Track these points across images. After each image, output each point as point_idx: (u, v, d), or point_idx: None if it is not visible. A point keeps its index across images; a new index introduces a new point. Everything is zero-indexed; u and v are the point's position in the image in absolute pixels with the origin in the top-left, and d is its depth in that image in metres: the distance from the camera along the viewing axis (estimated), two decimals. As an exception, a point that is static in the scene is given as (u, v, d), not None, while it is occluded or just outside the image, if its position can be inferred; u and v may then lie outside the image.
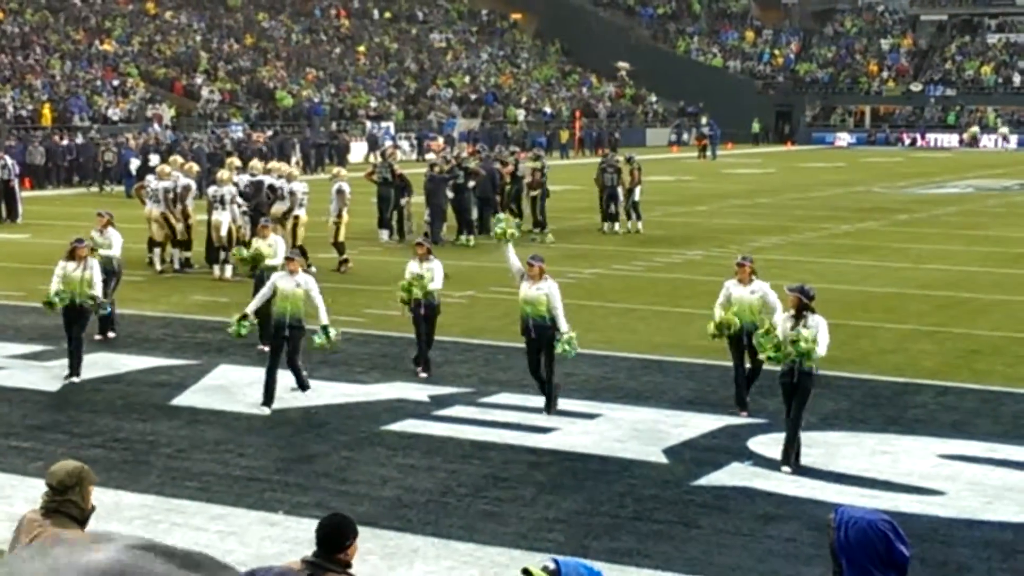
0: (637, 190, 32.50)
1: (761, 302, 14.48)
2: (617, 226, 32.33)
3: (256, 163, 27.17)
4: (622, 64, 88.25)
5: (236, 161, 28.27)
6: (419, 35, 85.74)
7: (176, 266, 25.39)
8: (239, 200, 24.52)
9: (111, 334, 18.78)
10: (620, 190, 32.38)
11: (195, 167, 27.87)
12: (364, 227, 31.21)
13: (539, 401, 14.89)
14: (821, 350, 12.37)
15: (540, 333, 14.60)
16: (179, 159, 28.35)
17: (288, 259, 15.25)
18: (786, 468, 12.49)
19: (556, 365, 14.77)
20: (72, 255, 16.18)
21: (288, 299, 14.79)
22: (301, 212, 24.82)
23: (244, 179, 25.21)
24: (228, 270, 24.34)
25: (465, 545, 10.46)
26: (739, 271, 14.64)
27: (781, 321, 12.71)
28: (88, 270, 16.09)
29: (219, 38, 71.94)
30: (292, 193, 24.91)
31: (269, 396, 14.79)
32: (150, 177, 26.36)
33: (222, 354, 17.76)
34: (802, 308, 12.48)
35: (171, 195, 25.26)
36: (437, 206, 29.66)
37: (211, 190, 24.74)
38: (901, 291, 23.36)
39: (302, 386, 15.14)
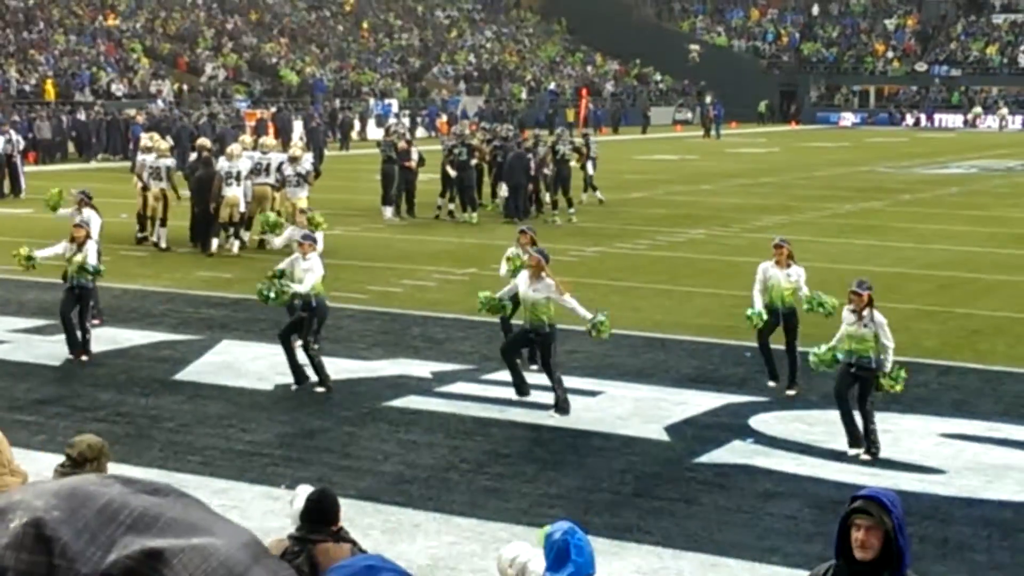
0: (589, 165, 33.42)
1: (796, 286, 14.51)
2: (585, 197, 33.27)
3: (245, 139, 27.34)
4: (693, 47, 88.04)
5: (248, 138, 28.29)
6: (423, 12, 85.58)
7: (163, 244, 25.07)
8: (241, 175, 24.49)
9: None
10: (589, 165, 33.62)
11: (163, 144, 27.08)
12: (368, 204, 31.25)
13: (543, 378, 14.89)
14: (890, 355, 12.33)
15: (541, 338, 13.77)
16: (156, 136, 27.89)
17: (300, 243, 15.14)
18: (858, 451, 12.33)
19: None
20: (72, 237, 16.14)
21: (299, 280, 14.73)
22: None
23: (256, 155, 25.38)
24: (236, 245, 24.37)
25: (467, 520, 10.50)
26: (776, 253, 14.63)
27: (845, 317, 12.52)
28: (83, 253, 16.00)
29: (223, 14, 71.83)
30: (309, 172, 25.06)
31: (298, 374, 14.76)
32: (145, 156, 26.07)
33: (225, 329, 17.79)
34: (867, 304, 12.37)
35: (168, 172, 25.21)
36: (518, 184, 29.78)
37: (224, 165, 24.62)
38: (904, 271, 23.36)
39: (319, 374, 14.75)
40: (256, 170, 25.12)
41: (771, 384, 14.75)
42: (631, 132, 69.87)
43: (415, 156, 30.41)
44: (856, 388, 12.39)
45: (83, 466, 5.97)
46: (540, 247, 14.70)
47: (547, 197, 31.08)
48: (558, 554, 5.42)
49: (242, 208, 24.49)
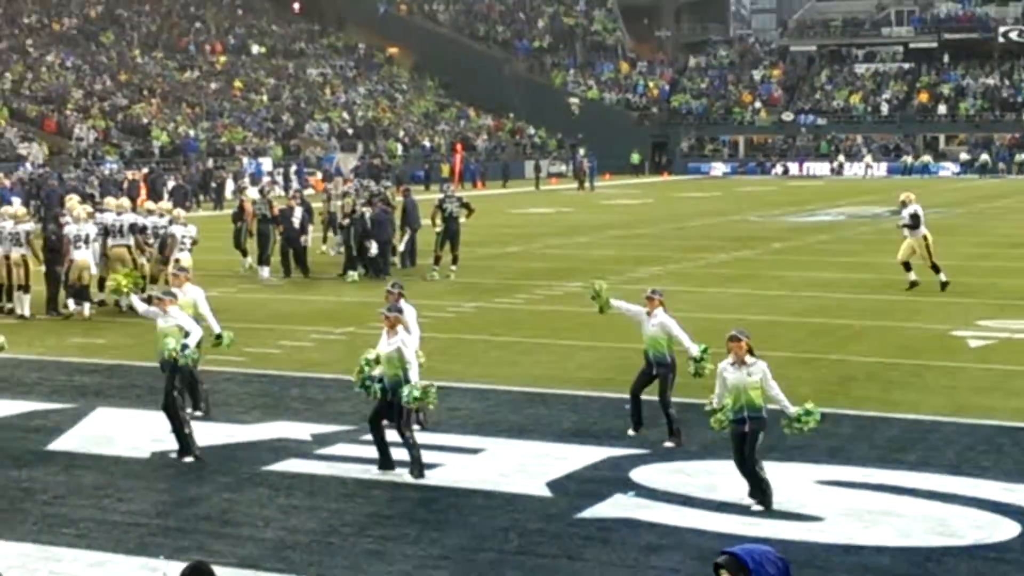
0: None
1: (666, 333, 14.70)
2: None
3: (111, 200, 26.96)
4: (573, 99, 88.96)
5: (112, 199, 27.83)
6: (296, 70, 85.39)
7: (26, 312, 24.27)
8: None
9: None
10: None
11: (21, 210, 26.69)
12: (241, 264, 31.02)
13: (423, 437, 14.87)
14: (783, 398, 12.63)
15: (395, 393, 13.46)
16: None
17: (159, 299, 14.91)
18: (755, 504, 12.43)
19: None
20: None
21: (166, 335, 14.46)
22: (183, 255, 24.13)
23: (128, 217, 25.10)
24: (87, 308, 23.95)
25: (350, 585, 10.40)
26: (648, 304, 14.84)
27: (723, 369, 12.60)
28: None
29: (92, 75, 71.01)
30: (171, 235, 24.58)
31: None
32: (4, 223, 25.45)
33: (100, 397, 17.48)
34: (747, 351, 12.49)
35: (28, 237, 24.63)
36: (386, 240, 29.77)
37: (71, 229, 24.09)
38: (777, 319, 23.72)
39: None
40: (111, 232, 24.87)
41: (631, 433, 14.90)
42: (495, 187, 70.21)
43: (298, 214, 30.14)
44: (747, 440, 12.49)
45: None
46: (396, 305, 14.60)
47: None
48: None
49: (93, 271, 24.05)
